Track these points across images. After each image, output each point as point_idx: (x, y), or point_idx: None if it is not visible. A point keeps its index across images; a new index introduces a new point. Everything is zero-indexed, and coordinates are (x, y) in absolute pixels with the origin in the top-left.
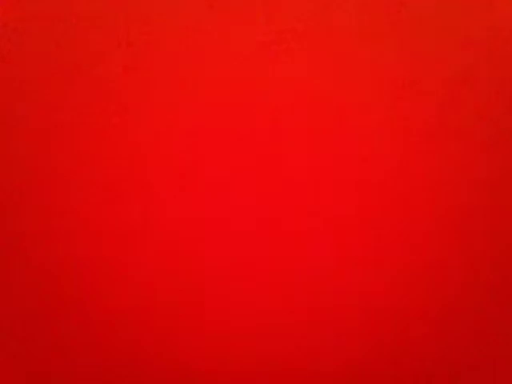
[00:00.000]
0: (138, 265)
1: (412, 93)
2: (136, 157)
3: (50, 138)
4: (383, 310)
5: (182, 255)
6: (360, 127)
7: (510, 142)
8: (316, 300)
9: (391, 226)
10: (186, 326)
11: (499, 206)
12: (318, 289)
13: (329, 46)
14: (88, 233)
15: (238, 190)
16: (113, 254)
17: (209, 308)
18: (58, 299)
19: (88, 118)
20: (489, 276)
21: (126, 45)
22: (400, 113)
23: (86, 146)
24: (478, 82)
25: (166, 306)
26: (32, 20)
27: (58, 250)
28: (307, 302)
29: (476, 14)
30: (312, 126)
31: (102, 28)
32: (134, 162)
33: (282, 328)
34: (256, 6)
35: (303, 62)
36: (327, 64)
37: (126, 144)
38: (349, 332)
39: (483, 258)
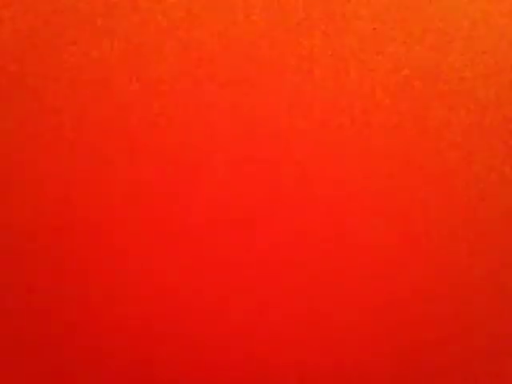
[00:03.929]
0: (137, 267)
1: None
2: (136, 158)
3: (49, 138)
4: (382, 313)
5: (180, 257)
6: (363, 121)
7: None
8: (315, 303)
9: (391, 226)
10: (185, 328)
11: (500, 208)
12: (318, 291)
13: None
14: (87, 233)
15: (237, 192)
16: (112, 255)
17: (208, 311)
18: (58, 300)
19: (88, 117)
20: (490, 277)
21: (127, 47)
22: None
23: (86, 146)
24: (478, 81)
25: (165, 309)
26: (31, 20)
27: (59, 250)
28: (306, 304)
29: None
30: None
31: (101, 27)
32: (134, 164)
33: (280, 330)
34: (257, 8)
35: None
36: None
37: (126, 144)
38: (348, 334)
39: (483, 261)
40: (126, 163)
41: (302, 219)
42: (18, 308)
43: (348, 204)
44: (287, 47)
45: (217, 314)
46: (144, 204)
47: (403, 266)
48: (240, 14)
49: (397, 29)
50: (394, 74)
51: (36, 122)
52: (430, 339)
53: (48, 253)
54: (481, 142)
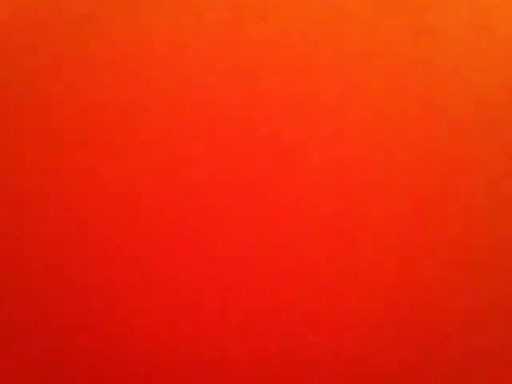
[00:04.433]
0: (137, 266)
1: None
2: (136, 159)
3: (49, 139)
4: (385, 313)
5: (179, 259)
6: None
7: (509, 145)
8: (314, 303)
9: (387, 230)
10: (184, 330)
11: (500, 208)
12: (320, 289)
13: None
14: (83, 235)
15: (236, 190)
16: (111, 257)
17: (207, 311)
18: (58, 301)
19: (88, 118)
20: (489, 280)
21: (125, 46)
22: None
23: (85, 146)
24: (478, 80)
25: (163, 309)
26: (30, 20)
27: (57, 252)
28: (304, 306)
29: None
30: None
31: (100, 27)
32: (134, 163)
33: (278, 331)
34: (254, 9)
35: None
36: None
37: (125, 144)
38: (349, 334)
39: (484, 265)
40: (125, 163)
41: (305, 216)
42: (16, 309)
43: (353, 211)
44: (287, 47)
45: (216, 316)
46: (144, 204)
47: (408, 269)
48: (239, 15)
49: (398, 28)
50: (398, 72)
51: (35, 122)
52: (426, 342)
53: (47, 253)
54: (482, 141)
